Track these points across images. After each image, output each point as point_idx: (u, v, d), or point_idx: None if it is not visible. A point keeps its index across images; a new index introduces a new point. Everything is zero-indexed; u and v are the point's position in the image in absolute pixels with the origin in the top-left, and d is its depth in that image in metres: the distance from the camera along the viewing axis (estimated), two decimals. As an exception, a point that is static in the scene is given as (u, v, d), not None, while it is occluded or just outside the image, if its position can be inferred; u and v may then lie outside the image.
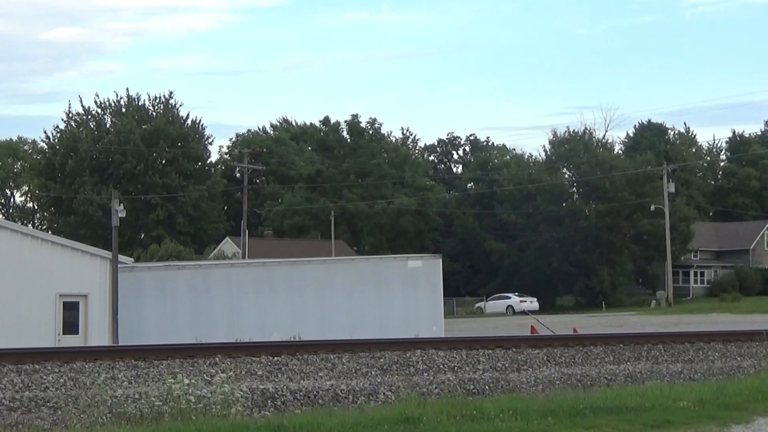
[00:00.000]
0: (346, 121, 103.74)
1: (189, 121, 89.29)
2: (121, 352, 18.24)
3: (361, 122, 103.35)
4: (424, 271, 38.43)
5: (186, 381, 13.81)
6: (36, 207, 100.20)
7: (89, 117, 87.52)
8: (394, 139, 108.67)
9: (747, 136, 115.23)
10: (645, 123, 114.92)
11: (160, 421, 12.94)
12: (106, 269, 33.74)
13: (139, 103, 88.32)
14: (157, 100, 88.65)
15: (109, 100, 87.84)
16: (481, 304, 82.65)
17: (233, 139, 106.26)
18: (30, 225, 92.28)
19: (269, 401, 16.02)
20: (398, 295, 37.69)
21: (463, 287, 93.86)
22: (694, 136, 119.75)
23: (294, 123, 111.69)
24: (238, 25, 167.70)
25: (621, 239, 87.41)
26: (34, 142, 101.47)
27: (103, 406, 13.77)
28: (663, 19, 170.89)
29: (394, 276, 38.24)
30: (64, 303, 32.76)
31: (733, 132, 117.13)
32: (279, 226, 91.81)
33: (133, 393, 14.83)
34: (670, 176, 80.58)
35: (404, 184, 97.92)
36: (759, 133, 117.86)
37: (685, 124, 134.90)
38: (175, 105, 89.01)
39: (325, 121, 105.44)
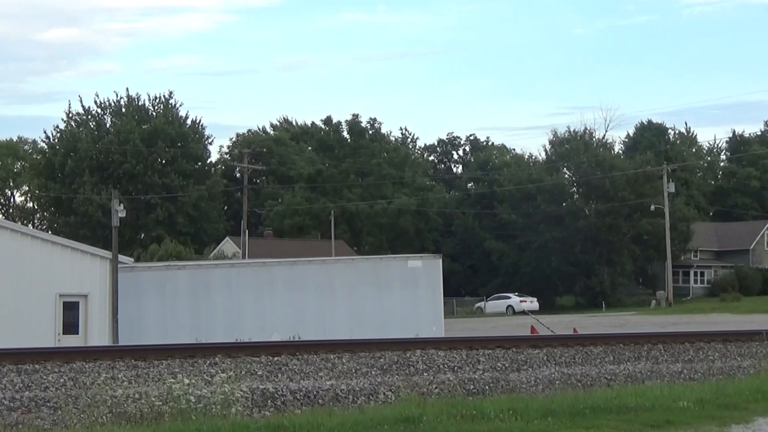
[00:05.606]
0: (346, 121, 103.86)
1: (189, 121, 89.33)
2: (121, 352, 18.22)
3: (361, 122, 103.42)
4: (424, 271, 38.42)
5: (186, 381, 13.82)
6: (36, 207, 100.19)
7: (89, 117, 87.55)
8: (394, 139, 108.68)
9: (747, 136, 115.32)
10: (645, 123, 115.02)
11: (160, 421, 12.94)
12: (106, 269, 33.76)
13: (139, 103, 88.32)
14: (157, 100, 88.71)
15: (108, 100, 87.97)
16: (481, 304, 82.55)
17: (233, 139, 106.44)
18: (30, 225, 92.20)
19: (269, 401, 16.01)
20: (398, 295, 37.67)
21: (463, 287, 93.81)
22: (694, 136, 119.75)
23: (294, 123, 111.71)
24: (234, 25, 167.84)
25: (621, 239, 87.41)
26: (34, 142, 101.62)
27: (103, 406, 13.77)
28: (660, 19, 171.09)
29: (394, 276, 38.23)
30: (64, 303, 32.78)
31: (733, 132, 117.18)
32: (279, 226, 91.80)
33: (133, 393, 14.81)
34: (670, 176, 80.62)
35: (404, 184, 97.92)
36: (759, 133, 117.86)
37: (685, 123, 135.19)
38: (174, 105, 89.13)
39: (327, 120, 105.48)
